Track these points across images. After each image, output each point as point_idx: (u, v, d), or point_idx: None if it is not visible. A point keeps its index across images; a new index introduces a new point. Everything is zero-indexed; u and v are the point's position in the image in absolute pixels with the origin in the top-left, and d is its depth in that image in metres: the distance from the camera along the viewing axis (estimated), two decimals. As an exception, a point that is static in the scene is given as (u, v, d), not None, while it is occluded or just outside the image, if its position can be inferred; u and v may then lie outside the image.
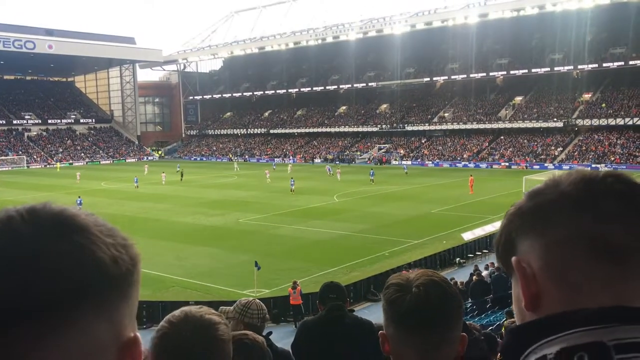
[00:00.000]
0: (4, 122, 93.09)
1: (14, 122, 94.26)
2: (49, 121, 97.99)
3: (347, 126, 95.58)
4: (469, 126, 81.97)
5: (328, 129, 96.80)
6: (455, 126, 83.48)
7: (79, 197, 41.27)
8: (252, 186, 53.54)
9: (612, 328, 0.68)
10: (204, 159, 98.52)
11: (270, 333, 3.76)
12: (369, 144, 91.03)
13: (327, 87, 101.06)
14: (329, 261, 25.14)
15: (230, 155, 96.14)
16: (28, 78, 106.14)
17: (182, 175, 60.97)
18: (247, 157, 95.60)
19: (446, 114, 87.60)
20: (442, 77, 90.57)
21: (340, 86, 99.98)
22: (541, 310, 0.77)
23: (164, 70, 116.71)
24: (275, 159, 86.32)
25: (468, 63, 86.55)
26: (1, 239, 0.67)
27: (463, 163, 74.48)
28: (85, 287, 0.68)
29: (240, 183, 56.53)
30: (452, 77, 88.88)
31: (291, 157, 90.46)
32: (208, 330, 1.62)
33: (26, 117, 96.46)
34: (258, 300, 3.54)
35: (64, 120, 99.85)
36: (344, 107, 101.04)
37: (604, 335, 0.68)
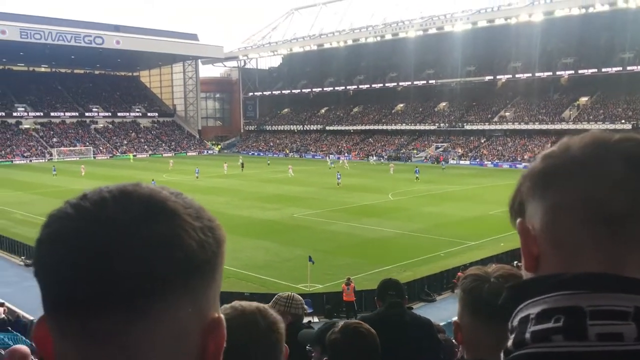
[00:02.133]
0: (75, 114, 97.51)
1: (83, 114, 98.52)
2: (116, 114, 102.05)
3: (404, 124, 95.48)
4: (530, 126, 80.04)
5: (384, 127, 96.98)
6: (517, 126, 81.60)
7: (153, 180, 43.76)
8: (307, 182, 54.35)
9: (593, 294, 0.69)
10: (261, 154, 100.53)
11: (309, 322, 4.05)
12: (426, 142, 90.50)
13: (385, 85, 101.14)
14: (383, 259, 25.14)
15: (287, 151, 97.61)
16: (96, 72, 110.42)
17: (242, 166, 64.95)
18: (302, 153, 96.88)
19: (507, 114, 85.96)
20: (505, 76, 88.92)
21: (399, 83, 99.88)
22: (539, 272, 0.79)
23: (225, 66, 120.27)
24: (330, 156, 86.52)
25: (531, 62, 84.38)
26: (93, 223, 0.68)
27: (523, 164, 72.68)
28: (174, 274, 0.69)
29: (295, 179, 57.57)
30: (516, 75, 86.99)
31: (346, 154, 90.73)
32: (272, 325, 1.63)
33: (94, 109, 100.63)
34: (297, 295, 3.85)
35: (129, 114, 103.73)
36: (401, 105, 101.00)
37: (583, 300, 0.69)
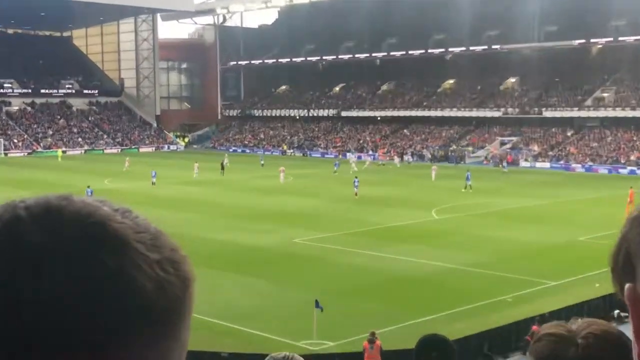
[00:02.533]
0: None
1: None
2: (37, 92, 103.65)
3: (454, 108, 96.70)
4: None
5: (426, 113, 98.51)
6: (619, 113, 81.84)
7: (88, 186, 45.45)
8: (313, 192, 54.94)
9: None
10: (248, 150, 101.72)
11: None
12: (486, 135, 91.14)
13: (428, 51, 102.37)
14: (423, 306, 25.35)
15: (284, 147, 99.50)
16: (10, 31, 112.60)
17: (223, 167, 66.52)
18: (307, 149, 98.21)
19: (605, 94, 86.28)
20: (602, 39, 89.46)
21: (448, 49, 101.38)
22: None
23: (196, 24, 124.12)
24: (349, 154, 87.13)
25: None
26: (3, 254, 0.68)
27: (629, 168, 72.63)
28: (120, 330, 0.69)
29: (296, 187, 58.24)
30: (619, 39, 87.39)
31: (371, 152, 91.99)
32: None
33: (5, 85, 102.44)
34: (298, 356, 3.70)
35: (56, 91, 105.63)
36: (451, 81, 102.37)
37: None
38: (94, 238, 0.71)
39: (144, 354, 0.71)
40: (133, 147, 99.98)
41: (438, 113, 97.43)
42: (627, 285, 0.84)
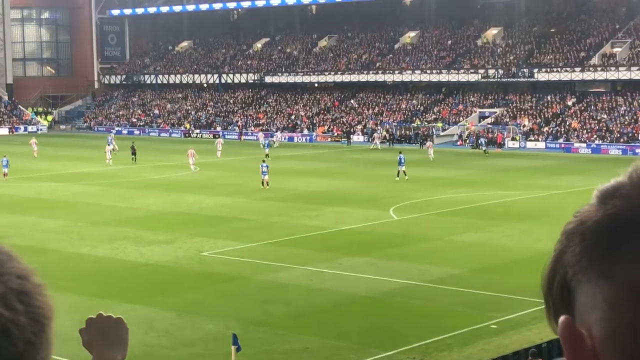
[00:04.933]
0: None
1: None
2: None
3: (417, 71, 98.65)
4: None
5: (380, 77, 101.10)
6: (636, 74, 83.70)
7: (5, 156, 52.30)
8: (226, 185, 56.36)
9: None
10: (137, 131, 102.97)
11: None
12: (460, 106, 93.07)
13: None
14: (379, 338, 25.63)
15: (187, 125, 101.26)
16: None
17: (134, 152, 70.46)
18: (220, 129, 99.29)
19: (617, 50, 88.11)
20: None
21: None
22: None
23: None
24: (276, 134, 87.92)
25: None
26: None
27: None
28: None
29: (203, 180, 59.59)
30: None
31: (305, 130, 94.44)
32: None
33: None
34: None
35: None
36: (412, 34, 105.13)
37: None
38: None
39: None
40: None
41: (396, 77, 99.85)
42: (561, 319, 0.90)
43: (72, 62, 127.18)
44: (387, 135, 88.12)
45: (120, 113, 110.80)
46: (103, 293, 30.42)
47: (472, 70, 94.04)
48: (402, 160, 59.08)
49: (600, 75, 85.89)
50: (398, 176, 58.08)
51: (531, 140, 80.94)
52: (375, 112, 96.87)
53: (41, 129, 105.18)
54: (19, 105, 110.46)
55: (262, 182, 54.37)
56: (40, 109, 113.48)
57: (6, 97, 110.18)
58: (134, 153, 71.17)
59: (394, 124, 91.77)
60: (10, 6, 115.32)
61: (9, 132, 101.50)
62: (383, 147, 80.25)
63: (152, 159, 73.63)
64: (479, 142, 78.00)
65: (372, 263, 34.01)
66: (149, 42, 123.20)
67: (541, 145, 79.85)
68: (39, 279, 0.80)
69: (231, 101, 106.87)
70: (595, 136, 78.99)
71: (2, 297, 0.74)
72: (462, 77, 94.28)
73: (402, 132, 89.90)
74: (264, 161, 57.39)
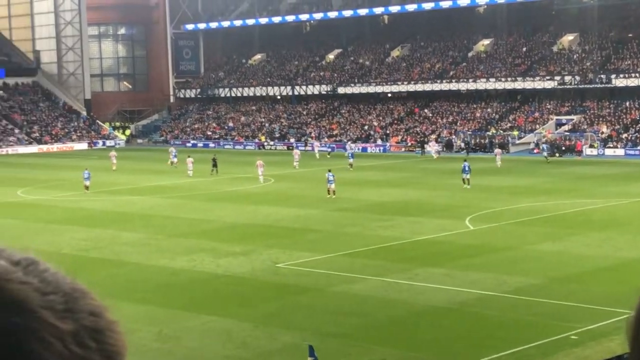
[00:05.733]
0: None
1: None
2: None
3: (492, 79, 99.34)
4: None
5: (454, 86, 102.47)
6: None
7: (87, 169, 56.68)
8: (300, 197, 57.70)
9: None
10: (212, 144, 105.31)
11: None
12: (537, 114, 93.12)
13: (457, 3, 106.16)
14: (456, 349, 25.82)
15: (261, 138, 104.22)
16: None
17: (215, 165, 74.10)
18: (294, 140, 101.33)
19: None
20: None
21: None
22: None
23: None
24: (351, 144, 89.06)
25: None
26: None
27: None
28: None
29: (278, 191, 61.09)
30: None
31: (379, 140, 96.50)
32: None
33: None
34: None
35: None
36: (486, 42, 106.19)
37: None
38: None
39: None
40: (53, 144, 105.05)
41: (470, 86, 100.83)
42: None
43: (148, 77, 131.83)
44: (463, 144, 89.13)
45: (196, 126, 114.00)
46: (181, 305, 31.15)
47: (548, 77, 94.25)
48: (467, 169, 60.49)
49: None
50: (466, 184, 59.36)
51: (610, 147, 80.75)
52: (449, 121, 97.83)
53: (119, 143, 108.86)
54: (97, 120, 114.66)
55: (328, 191, 56.28)
56: (117, 124, 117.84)
57: (84, 113, 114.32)
58: (214, 165, 73.96)
59: (469, 132, 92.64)
60: (87, 23, 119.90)
61: (88, 146, 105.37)
62: (459, 155, 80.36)
63: (227, 171, 75.68)
64: (541, 147, 79.13)
65: (447, 274, 34.26)
66: (222, 55, 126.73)
67: (620, 152, 79.79)
68: (112, 316, 0.83)
69: (304, 112, 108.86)
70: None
71: (75, 335, 0.78)
72: (538, 84, 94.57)
73: (477, 140, 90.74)
74: (329, 170, 58.67)
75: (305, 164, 79.18)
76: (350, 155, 78.18)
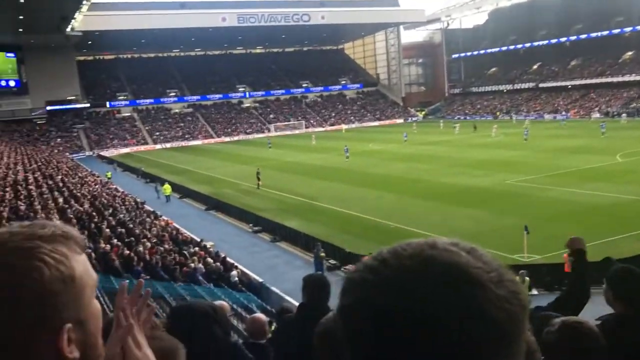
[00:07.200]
0: (287, 90, 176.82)
1: (294, 90, 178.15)
2: (324, 88, 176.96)
3: (634, 74, 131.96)
4: None
5: (610, 79, 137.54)
6: None
7: (346, 146, 77.06)
8: (517, 145, 73.77)
9: None
10: (467, 117, 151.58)
11: None
12: None
13: (610, 32, 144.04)
14: (613, 228, 34.50)
15: (497, 113, 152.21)
16: (304, 49, 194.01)
17: (475, 128, 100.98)
18: (513, 114, 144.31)
19: None
20: None
21: (625, 29, 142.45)
22: None
23: (427, 29, 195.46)
24: (546, 115, 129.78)
25: None
26: (394, 293, 1.29)
27: None
28: (481, 348, 1.22)
29: (506, 142, 78.89)
30: None
31: (564, 113, 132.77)
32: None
33: (304, 85, 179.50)
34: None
35: (336, 86, 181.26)
36: (630, 53, 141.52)
37: None
38: (458, 282, 1.25)
39: None
40: (387, 120, 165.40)
41: (619, 79, 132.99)
42: None
43: (434, 84, 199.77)
44: (614, 112, 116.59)
45: (459, 108, 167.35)
46: (454, 202, 45.04)
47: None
48: (603, 126, 73.85)
49: None
50: (603, 134, 72.00)
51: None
52: (606, 100, 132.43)
53: (419, 119, 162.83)
54: (408, 107, 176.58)
55: (525, 138, 76.43)
56: (418, 108, 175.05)
57: (401, 104, 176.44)
58: (475, 128, 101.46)
59: (619, 105, 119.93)
60: (403, 57, 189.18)
61: (403, 121, 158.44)
62: None
63: (483, 133, 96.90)
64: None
65: (605, 186, 46.00)
66: (474, 70, 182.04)
67: None
68: (520, 284, 1.28)
69: (519, 98, 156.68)
70: None
71: (505, 298, 1.25)
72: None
73: (624, 110, 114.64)
74: (526, 128, 79.35)
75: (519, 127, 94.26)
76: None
